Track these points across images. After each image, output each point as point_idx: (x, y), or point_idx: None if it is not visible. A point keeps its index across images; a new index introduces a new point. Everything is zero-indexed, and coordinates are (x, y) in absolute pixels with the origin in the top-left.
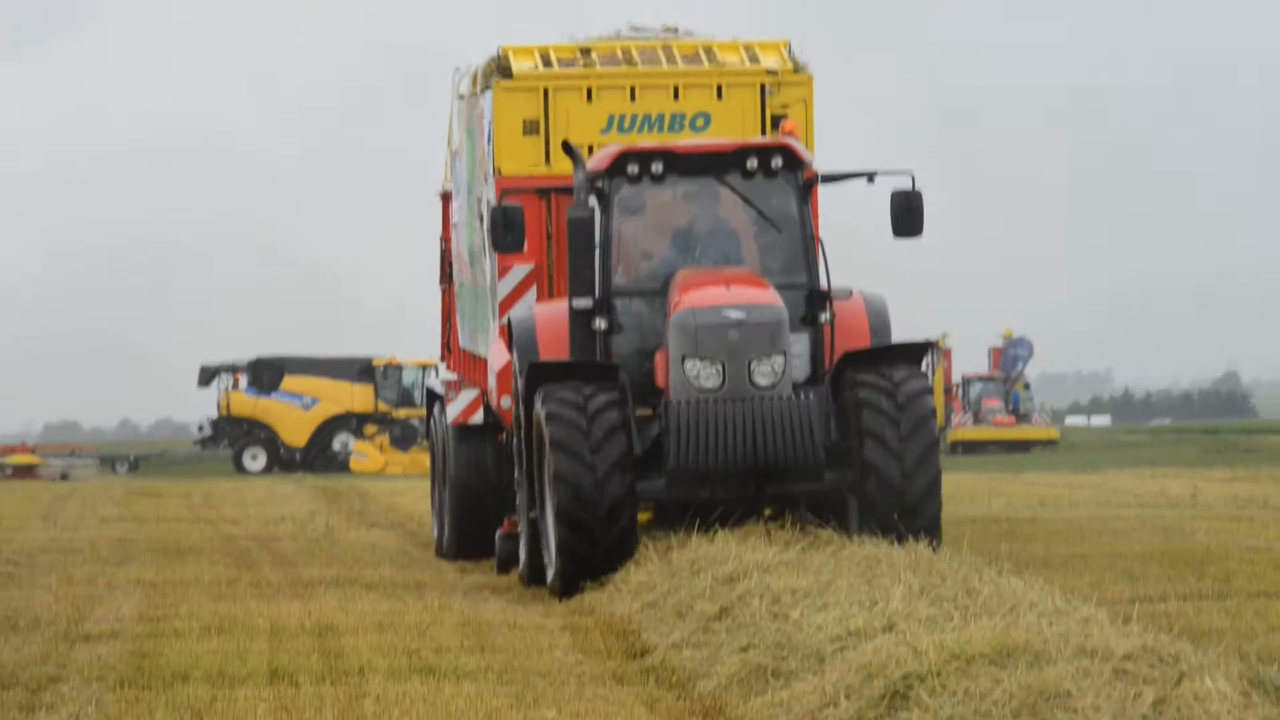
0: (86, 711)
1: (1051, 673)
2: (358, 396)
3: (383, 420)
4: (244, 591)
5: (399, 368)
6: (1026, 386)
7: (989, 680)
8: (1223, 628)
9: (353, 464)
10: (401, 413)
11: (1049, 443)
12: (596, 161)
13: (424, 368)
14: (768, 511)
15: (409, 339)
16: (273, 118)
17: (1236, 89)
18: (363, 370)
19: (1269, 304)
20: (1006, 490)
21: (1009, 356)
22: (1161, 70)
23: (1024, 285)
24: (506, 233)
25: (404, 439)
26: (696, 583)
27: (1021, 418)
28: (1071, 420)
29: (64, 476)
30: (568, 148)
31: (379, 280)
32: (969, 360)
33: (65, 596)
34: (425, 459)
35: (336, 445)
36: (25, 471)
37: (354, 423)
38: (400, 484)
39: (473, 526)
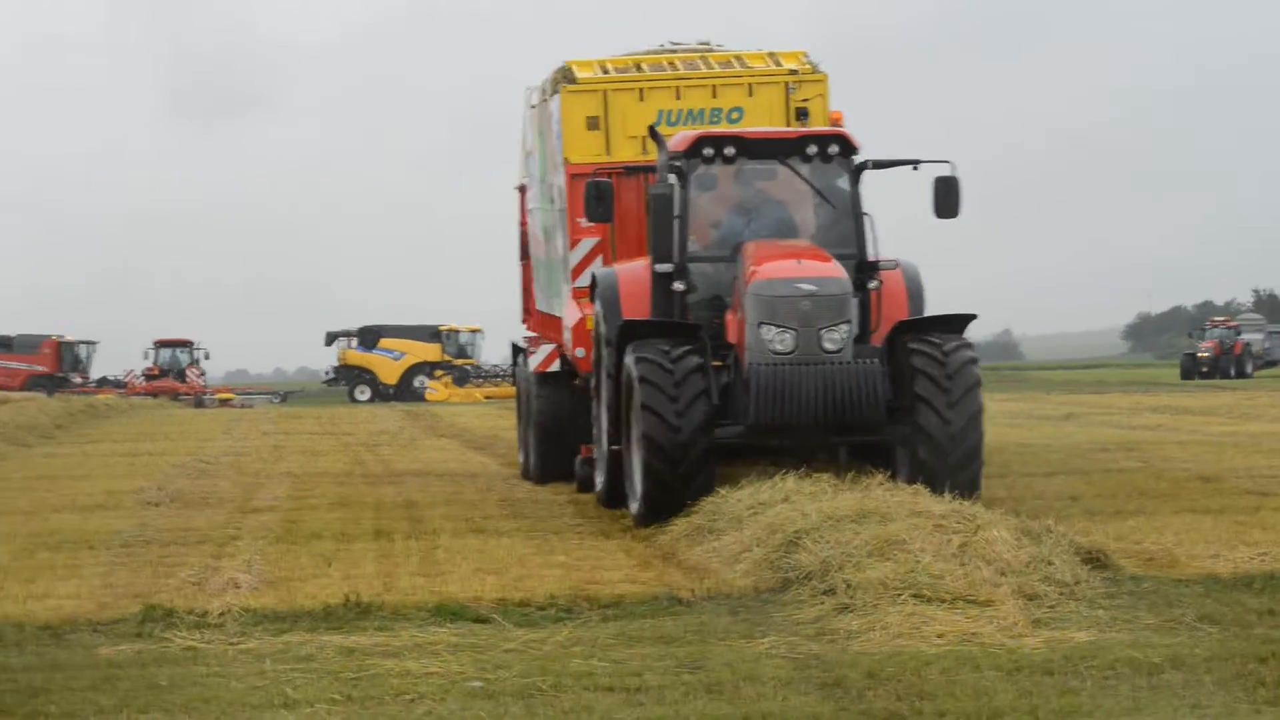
0: (255, 558)
1: (893, 527)
2: (430, 351)
3: (446, 367)
4: (356, 480)
5: (457, 331)
6: None
7: (851, 532)
8: (1003, 497)
9: (427, 396)
10: (458, 362)
11: None
12: (676, 144)
13: (474, 332)
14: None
15: (465, 311)
16: (390, 172)
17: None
18: (432, 334)
19: (1037, 283)
20: None
21: None
22: None
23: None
24: (598, 205)
25: (460, 379)
26: None
27: None
28: None
29: (248, 406)
30: (654, 133)
31: (452, 272)
32: None
33: (240, 483)
34: (476, 393)
35: (416, 383)
36: (225, 403)
37: (428, 369)
38: (459, 409)
39: (553, 456)
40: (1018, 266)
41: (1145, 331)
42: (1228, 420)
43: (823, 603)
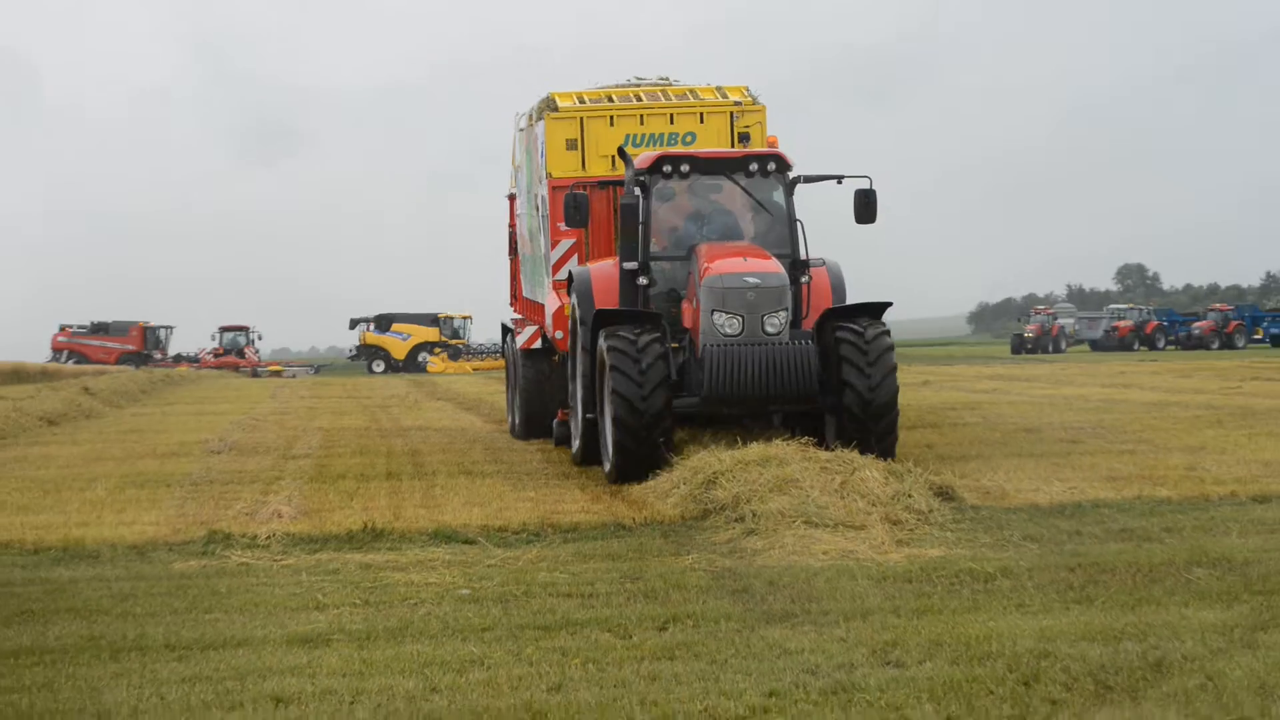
0: (294, 494)
1: (789, 469)
2: (430, 333)
3: (444, 346)
4: (373, 433)
5: (452, 318)
6: None
7: (756, 473)
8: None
9: (428, 369)
10: (453, 341)
11: None
12: (641, 162)
13: (465, 318)
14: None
15: (458, 301)
16: (401, 191)
17: None
18: (433, 319)
19: (900, 276)
20: None
21: None
22: None
23: None
24: (576, 212)
25: (454, 355)
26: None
27: None
28: None
29: (294, 376)
30: (622, 153)
31: (448, 271)
32: None
33: (282, 436)
34: (467, 366)
35: (420, 359)
36: (276, 374)
37: (429, 347)
38: (453, 379)
39: (535, 417)
40: (882, 263)
41: (984, 317)
42: (1047, 385)
43: (734, 528)
